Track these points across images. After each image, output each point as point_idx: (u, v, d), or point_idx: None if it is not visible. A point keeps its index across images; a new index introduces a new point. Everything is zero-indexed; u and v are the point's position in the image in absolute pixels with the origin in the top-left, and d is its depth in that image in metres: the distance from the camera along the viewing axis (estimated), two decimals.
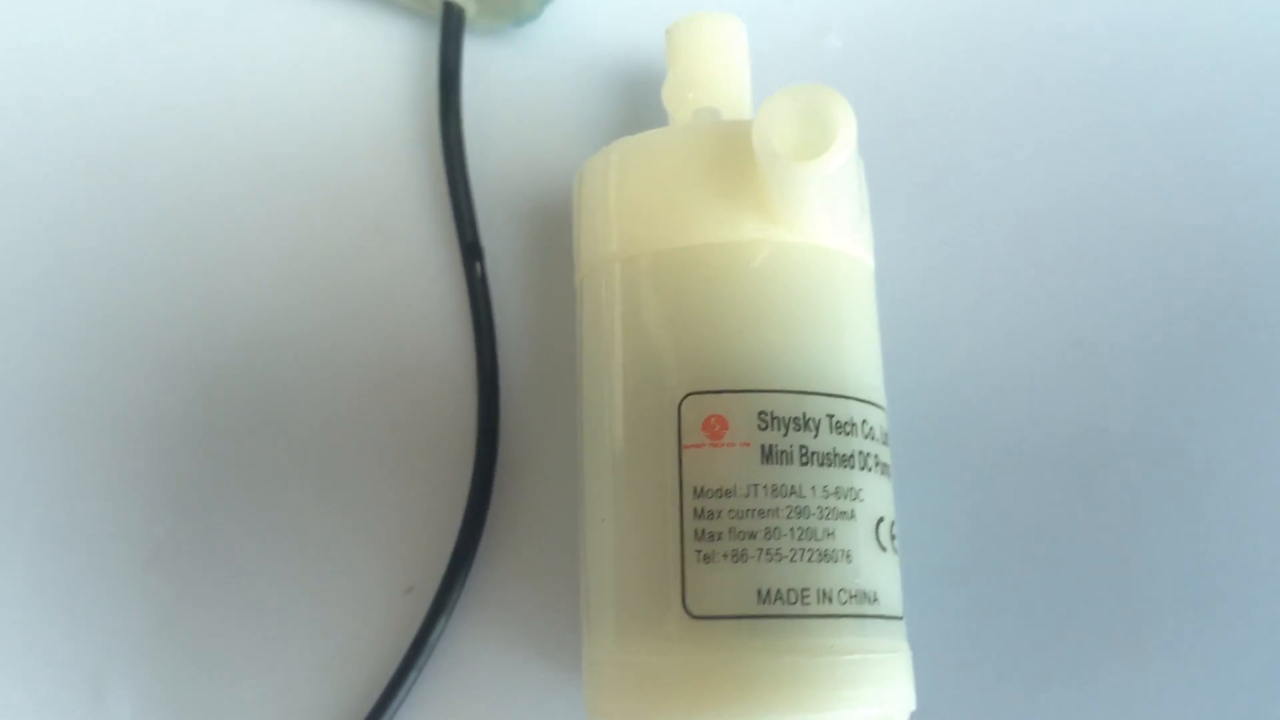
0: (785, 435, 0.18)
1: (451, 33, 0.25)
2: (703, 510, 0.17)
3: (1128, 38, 0.25)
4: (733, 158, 0.19)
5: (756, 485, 0.17)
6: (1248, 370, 0.23)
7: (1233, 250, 0.24)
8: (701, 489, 0.17)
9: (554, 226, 0.24)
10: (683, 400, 0.18)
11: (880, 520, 0.18)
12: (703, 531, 0.17)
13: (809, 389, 0.18)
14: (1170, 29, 0.25)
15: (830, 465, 0.18)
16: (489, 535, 0.23)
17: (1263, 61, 0.25)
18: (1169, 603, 0.22)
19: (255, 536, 0.23)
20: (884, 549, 0.18)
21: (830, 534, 0.18)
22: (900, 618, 0.18)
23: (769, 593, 0.17)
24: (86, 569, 0.23)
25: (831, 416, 0.18)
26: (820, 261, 0.19)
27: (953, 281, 0.24)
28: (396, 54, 0.26)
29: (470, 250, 0.24)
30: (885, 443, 0.19)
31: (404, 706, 0.22)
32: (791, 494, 0.18)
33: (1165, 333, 0.23)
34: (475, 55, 0.25)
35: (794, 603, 0.17)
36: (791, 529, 0.17)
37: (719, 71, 0.21)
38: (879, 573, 0.18)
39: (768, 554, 0.17)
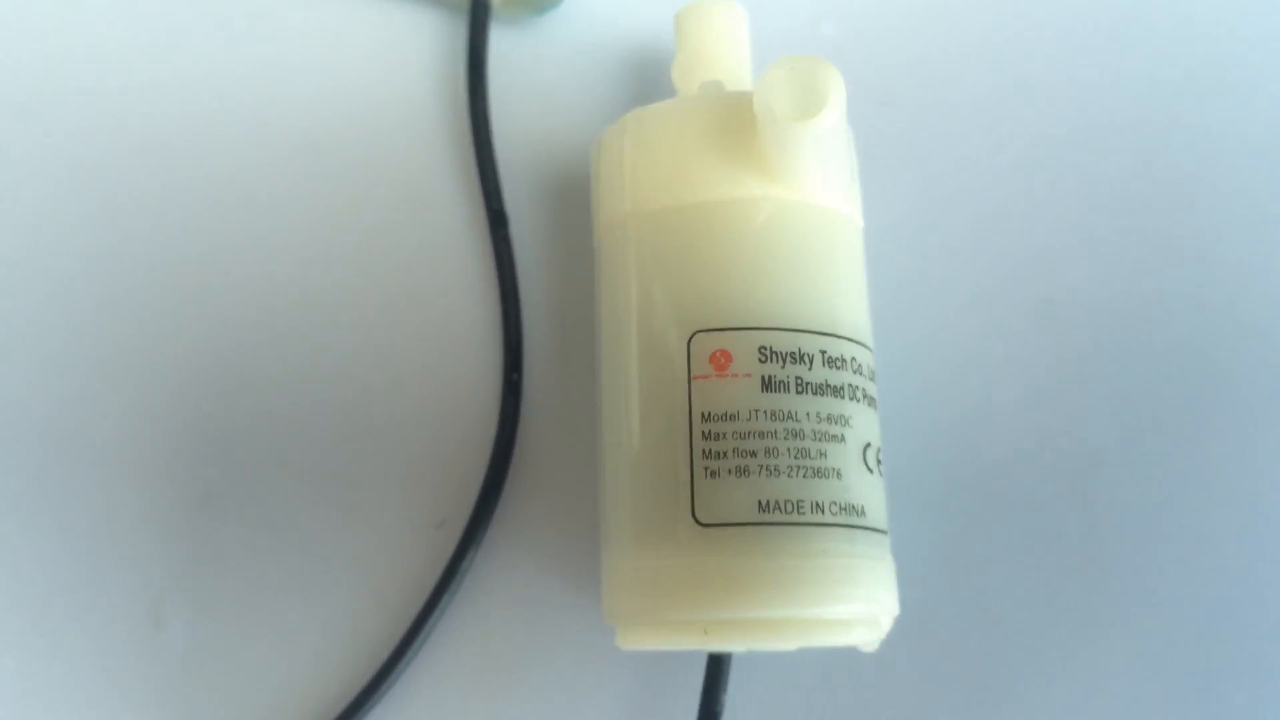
0: (783, 367, 0.20)
1: (479, 22, 0.27)
2: (710, 433, 0.20)
3: (1097, 27, 0.28)
4: (736, 123, 0.21)
5: (757, 411, 0.20)
6: (1217, 339, 0.26)
7: (1202, 218, 0.26)
8: (709, 414, 0.20)
9: (572, 196, 0.26)
10: (691, 337, 0.20)
11: (867, 445, 0.21)
12: (710, 451, 0.20)
13: (804, 327, 0.20)
14: (1136, 15, 0.28)
15: (822, 394, 0.20)
16: (514, 475, 0.25)
17: (1227, 37, 0.28)
18: (1132, 528, 0.24)
19: (299, 480, 0.25)
20: (870, 470, 0.20)
21: (823, 454, 0.20)
22: (885, 531, 0.21)
23: (768, 503, 0.19)
24: (145, 509, 0.25)
25: (824, 352, 0.20)
26: (815, 217, 0.21)
27: (934, 242, 0.26)
28: (428, 41, 0.28)
29: (496, 217, 0.26)
30: (872, 379, 0.21)
31: (437, 629, 0.24)
32: (788, 419, 0.20)
33: (1130, 293, 0.26)
34: (500, 41, 0.28)
35: (790, 512, 0.19)
36: (788, 449, 0.20)
37: (723, 50, 0.24)
38: (866, 490, 0.20)
39: (767, 470, 0.19)
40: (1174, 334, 0.26)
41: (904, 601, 0.21)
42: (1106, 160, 0.27)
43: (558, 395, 0.25)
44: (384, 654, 0.24)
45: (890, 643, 0.21)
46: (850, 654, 0.22)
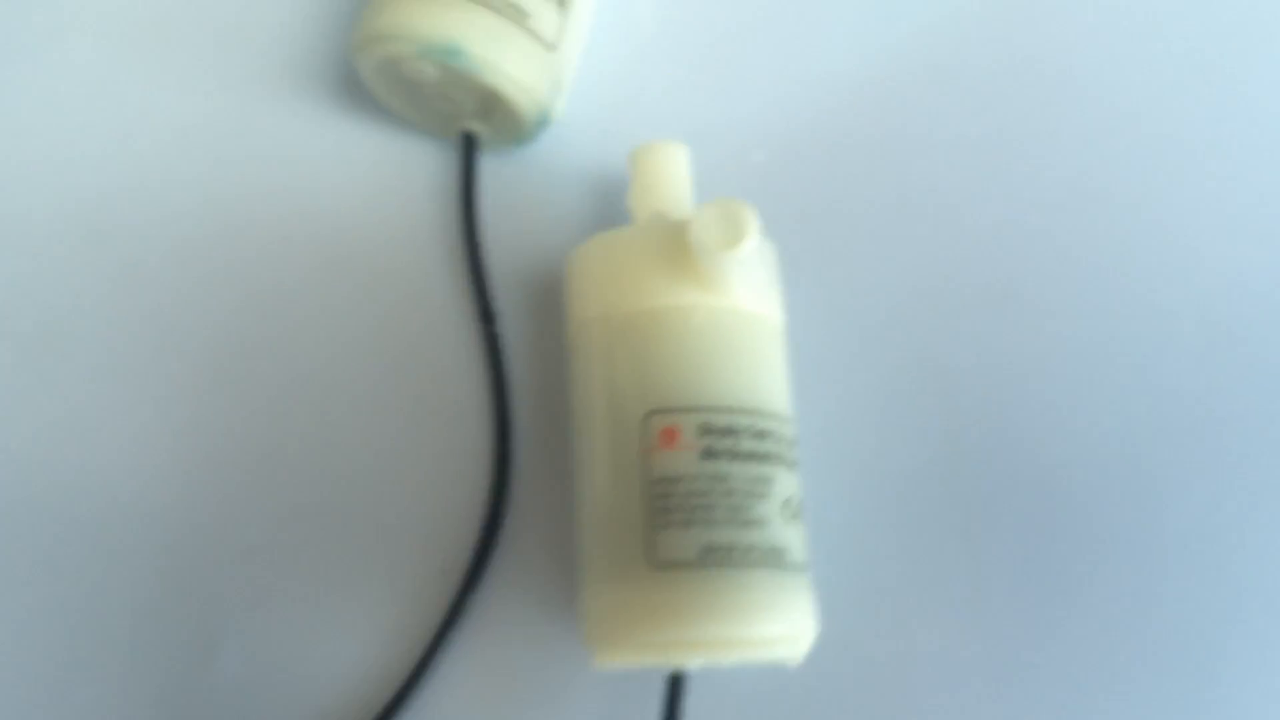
0: (719, 440, 0.25)
1: (468, 151, 0.33)
2: (660, 492, 0.25)
3: (976, 146, 0.34)
4: (676, 247, 0.26)
5: (699, 475, 0.25)
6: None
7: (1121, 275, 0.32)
8: (660, 478, 0.25)
9: (550, 298, 0.32)
10: (647, 416, 0.26)
11: (787, 500, 0.26)
12: (660, 506, 0.25)
13: (736, 407, 0.26)
14: (1007, 136, 0.34)
15: (751, 461, 0.25)
16: (505, 530, 0.30)
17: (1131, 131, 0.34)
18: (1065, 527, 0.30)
19: (324, 534, 0.30)
20: (790, 520, 0.26)
21: (751, 508, 0.25)
22: (803, 568, 0.26)
23: (708, 548, 0.25)
24: (196, 560, 0.30)
25: (752, 427, 0.26)
26: (741, 320, 0.27)
27: (846, 332, 0.32)
28: (426, 166, 0.34)
29: (486, 315, 0.32)
30: (792, 445, 0.27)
31: (445, 656, 0.29)
32: (724, 480, 0.25)
33: (1011, 349, 0.32)
34: (487, 166, 0.33)
35: (726, 554, 0.25)
36: (724, 505, 0.25)
37: (668, 182, 0.29)
38: (787, 536, 0.25)
39: (707, 522, 0.25)
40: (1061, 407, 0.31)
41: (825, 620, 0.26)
42: (983, 259, 0.33)
43: (541, 464, 0.31)
44: (401, 677, 0.29)
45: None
46: (780, 672, 0.27)
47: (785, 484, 0.26)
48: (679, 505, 0.25)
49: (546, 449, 0.31)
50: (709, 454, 0.25)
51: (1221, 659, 0.29)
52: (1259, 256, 0.33)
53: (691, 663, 0.25)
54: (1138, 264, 0.33)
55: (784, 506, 0.26)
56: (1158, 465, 0.31)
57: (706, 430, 0.25)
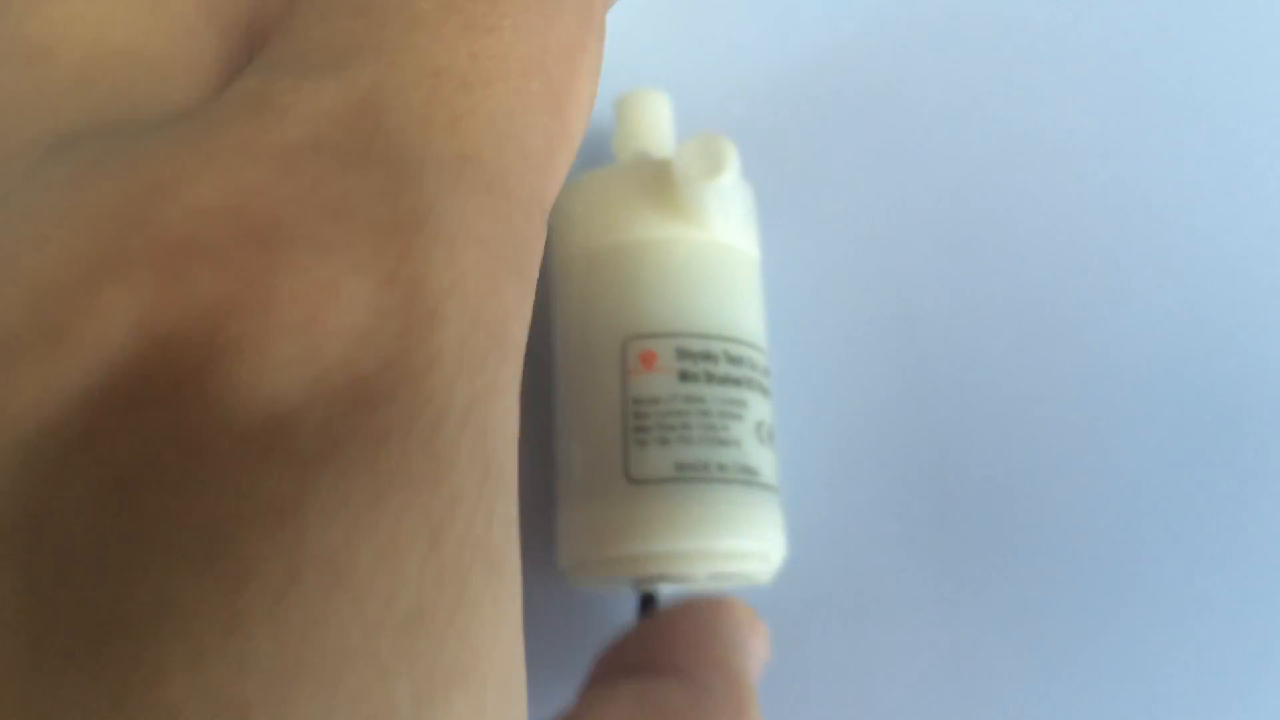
0: (695, 364, 0.26)
1: None
2: (639, 413, 0.26)
3: (953, 101, 0.35)
4: (660, 183, 0.28)
5: (676, 396, 0.26)
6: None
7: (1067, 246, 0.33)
8: (638, 399, 0.26)
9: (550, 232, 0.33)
10: (626, 342, 0.27)
11: (760, 423, 0.27)
12: (639, 426, 0.26)
13: (712, 334, 0.27)
14: (985, 90, 0.35)
15: (725, 384, 0.27)
16: None
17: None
18: (988, 526, 0.31)
19: None
20: (762, 442, 0.27)
21: (725, 429, 0.26)
22: (775, 489, 0.27)
23: (684, 464, 0.26)
24: None
25: (727, 352, 0.27)
26: (720, 252, 0.28)
27: (818, 270, 0.33)
28: None
29: None
30: (765, 374, 0.28)
31: None
32: (699, 402, 0.26)
33: (979, 290, 0.33)
34: None
35: (701, 470, 0.26)
36: (699, 424, 0.26)
37: (651, 127, 0.30)
38: (759, 457, 0.27)
39: (683, 440, 0.26)
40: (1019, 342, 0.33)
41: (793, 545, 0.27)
42: (956, 209, 0.34)
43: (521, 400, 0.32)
44: None
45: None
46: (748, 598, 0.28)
47: (758, 408, 0.27)
48: (656, 425, 0.26)
49: (524, 384, 0.32)
50: (685, 376, 0.26)
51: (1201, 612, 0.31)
52: (1229, 208, 0.35)
53: (665, 577, 0.26)
54: (1109, 215, 0.34)
55: (757, 429, 0.27)
56: (1122, 402, 0.32)
57: (683, 354, 0.26)
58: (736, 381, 0.27)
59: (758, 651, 0.25)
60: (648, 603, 0.28)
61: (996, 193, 0.34)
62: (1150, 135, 0.35)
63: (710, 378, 0.26)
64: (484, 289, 0.13)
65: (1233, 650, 0.30)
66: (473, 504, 0.12)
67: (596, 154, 0.34)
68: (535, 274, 0.15)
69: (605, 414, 0.26)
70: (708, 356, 0.27)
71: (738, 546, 0.26)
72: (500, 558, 0.13)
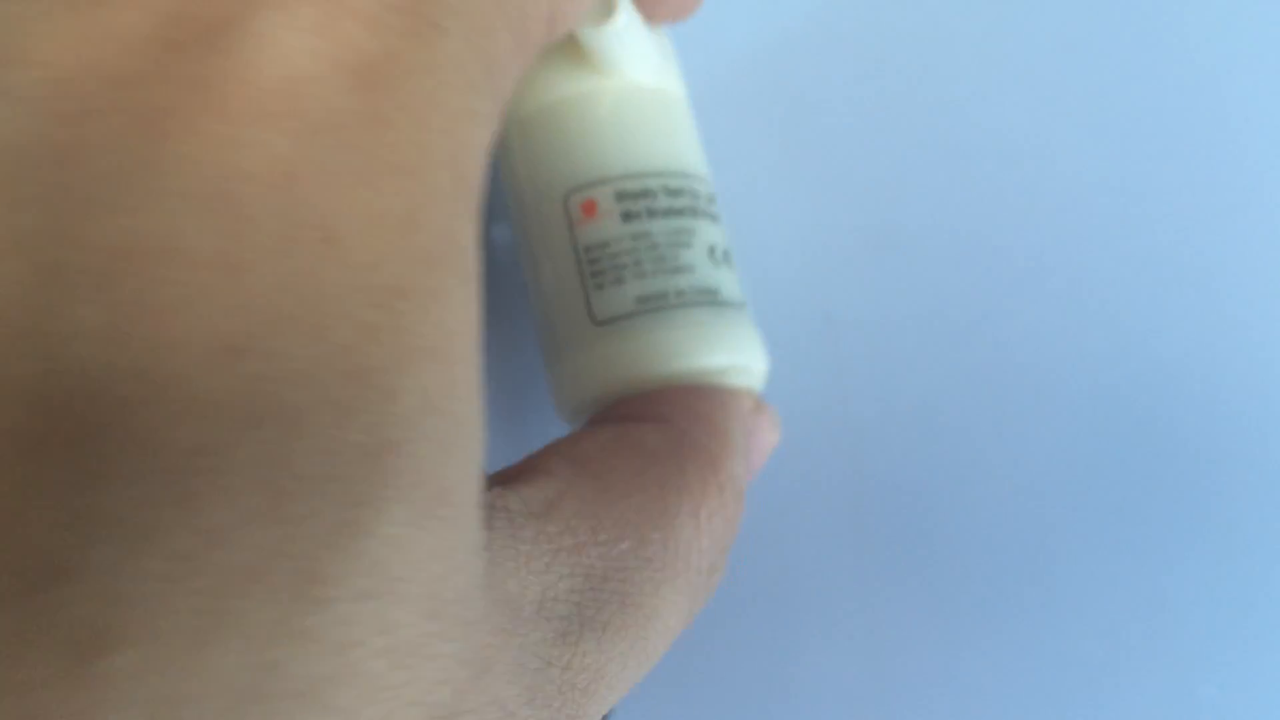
0: (635, 203, 0.27)
1: None
2: (592, 259, 0.27)
3: (949, 43, 0.35)
4: (568, 43, 0.28)
5: (622, 236, 0.27)
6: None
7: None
8: (588, 246, 0.27)
9: None
10: (567, 195, 0.28)
11: (712, 247, 0.28)
12: (594, 270, 0.27)
13: (647, 172, 0.28)
14: (978, 33, 0.35)
15: (669, 216, 0.27)
16: None
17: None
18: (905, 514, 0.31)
19: None
20: (718, 264, 0.28)
21: (676, 257, 0.27)
22: (741, 305, 0.28)
23: (643, 298, 0.27)
24: None
25: (665, 186, 0.28)
26: (641, 95, 0.28)
27: (810, 196, 0.34)
28: None
29: None
30: (711, 200, 0.29)
31: None
32: (646, 237, 0.27)
33: (906, 309, 0.33)
34: None
35: (660, 300, 0.27)
36: (650, 258, 0.27)
37: None
38: (717, 278, 0.27)
39: (637, 275, 0.27)
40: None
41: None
42: (941, 143, 0.34)
43: (498, 277, 0.33)
44: None
45: None
46: None
47: (708, 233, 0.28)
48: (610, 266, 0.27)
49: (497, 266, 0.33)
50: (628, 216, 0.27)
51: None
52: (1139, 205, 0.34)
53: None
54: (1024, 213, 0.34)
55: (710, 252, 0.28)
56: (1037, 396, 0.32)
57: (622, 195, 0.27)
58: (679, 212, 0.28)
59: (760, 427, 0.26)
60: None
61: (910, 194, 0.34)
62: (1069, 133, 0.34)
63: (652, 213, 0.27)
64: (482, 27, 0.14)
65: (1138, 635, 0.31)
66: (449, 201, 0.14)
67: None
68: (532, 37, 0.17)
69: (563, 268, 0.27)
70: (646, 194, 0.27)
71: (711, 363, 0.27)
72: (466, 258, 0.14)
